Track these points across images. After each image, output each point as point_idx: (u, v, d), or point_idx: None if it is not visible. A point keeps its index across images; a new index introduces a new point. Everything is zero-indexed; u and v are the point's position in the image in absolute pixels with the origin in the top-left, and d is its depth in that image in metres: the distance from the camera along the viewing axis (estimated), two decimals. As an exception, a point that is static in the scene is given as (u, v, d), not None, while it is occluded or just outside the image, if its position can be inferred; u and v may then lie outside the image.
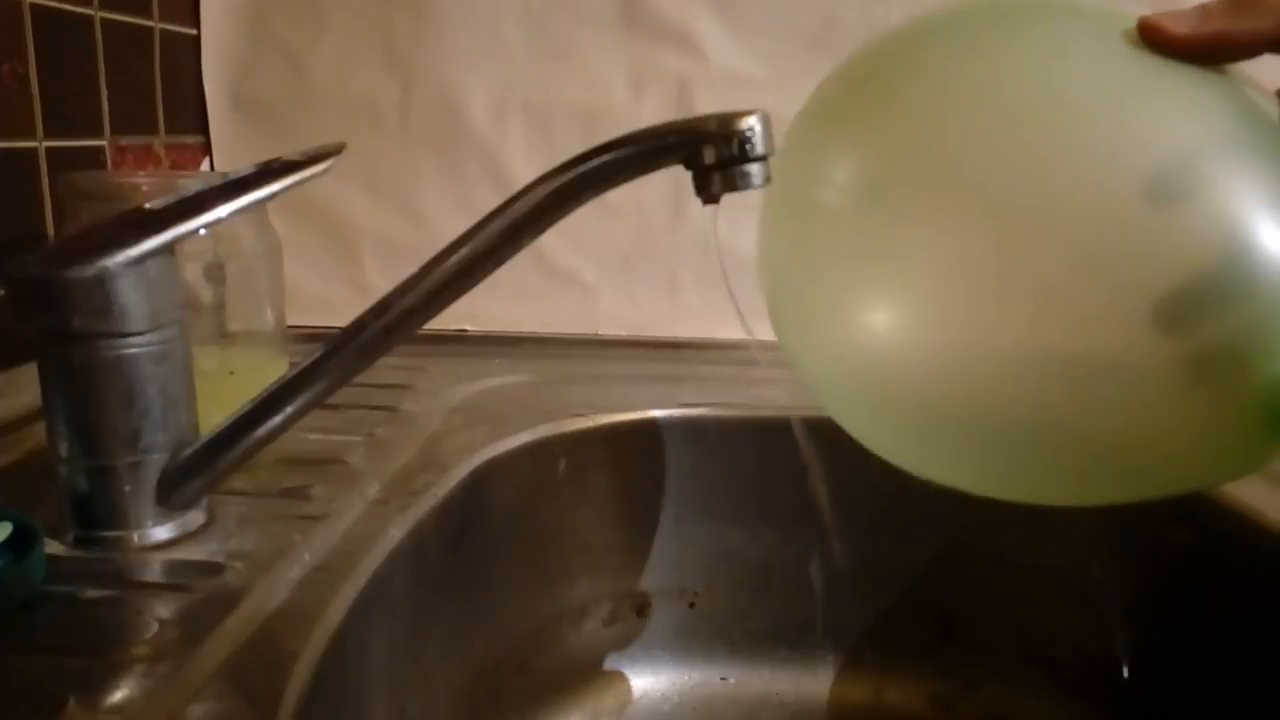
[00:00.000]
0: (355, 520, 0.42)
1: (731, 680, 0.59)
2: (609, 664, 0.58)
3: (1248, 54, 0.29)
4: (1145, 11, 0.29)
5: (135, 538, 0.38)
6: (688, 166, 0.35)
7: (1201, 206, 0.27)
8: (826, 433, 0.35)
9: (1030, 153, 0.28)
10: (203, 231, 0.37)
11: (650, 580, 0.58)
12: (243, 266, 0.52)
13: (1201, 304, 0.27)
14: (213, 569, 0.36)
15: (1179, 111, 0.28)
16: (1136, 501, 0.31)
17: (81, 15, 0.58)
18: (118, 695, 0.29)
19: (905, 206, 0.30)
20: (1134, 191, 0.27)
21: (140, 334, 0.36)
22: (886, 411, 0.33)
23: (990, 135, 0.29)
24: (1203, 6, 0.29)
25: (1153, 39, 0.29)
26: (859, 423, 0.34)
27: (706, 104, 0.72)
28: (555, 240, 0.74)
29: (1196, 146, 0.28)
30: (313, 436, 0.50)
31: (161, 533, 0.38)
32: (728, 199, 0.35)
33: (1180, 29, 0.29)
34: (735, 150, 0.34)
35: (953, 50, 0.31)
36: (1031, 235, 0.28)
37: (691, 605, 0.59)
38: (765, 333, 0.36)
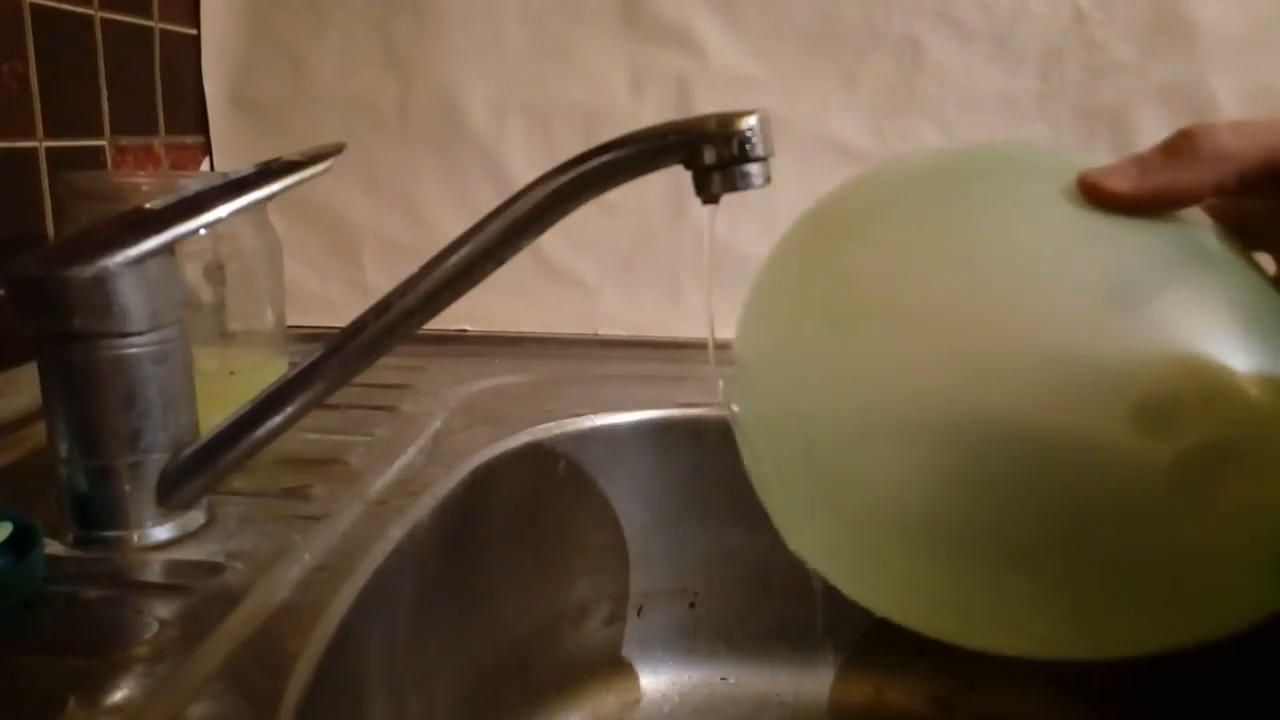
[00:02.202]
0: (355, 520, 0.42)
1: (731, 680, 0.59)
2: (609, 664, 0.58)
3: (1188, 203, 0.30)
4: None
5: (135, 538, 0.38)
6: (688, 166, 0.35)
7: (1158, 320, 0.27)
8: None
9: (992, 285, 0.29)
10: (203, 231, 0.37)
11: (650, 580, 0.58)
12: (243, 266, 0.52)
13: (1176, 409, 0.27)
14: (213, 569, 0.36)
15: (1127, 245, 0.29)
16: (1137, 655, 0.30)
17: (81, 15, 0.58)
18: (118, 695, 0.29)
19: (877, 333, 0.30)
20: (1093, 308, 0.28)
21: (140, 334, 0.36)
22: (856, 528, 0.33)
23: (953, 271, 0.30)
24: (1139, 159, 0.29)
25: (1095, 197, 0.29)
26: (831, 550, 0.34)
27: (706, 104, 0.72)
28: (555, 240, 0.74)
29: (1148, 270, 0.28)
30: (313, 436, 0.50)
31: (161, 533, 0.38)
32: (726, 199, 0.35)
33: (1122, 186, 0.29)
34: (735, 150, 0.34)
35: (915, 204, 0.32)
36: (998, 356, 0.28)
37: (691, 605, 0.59)
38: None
